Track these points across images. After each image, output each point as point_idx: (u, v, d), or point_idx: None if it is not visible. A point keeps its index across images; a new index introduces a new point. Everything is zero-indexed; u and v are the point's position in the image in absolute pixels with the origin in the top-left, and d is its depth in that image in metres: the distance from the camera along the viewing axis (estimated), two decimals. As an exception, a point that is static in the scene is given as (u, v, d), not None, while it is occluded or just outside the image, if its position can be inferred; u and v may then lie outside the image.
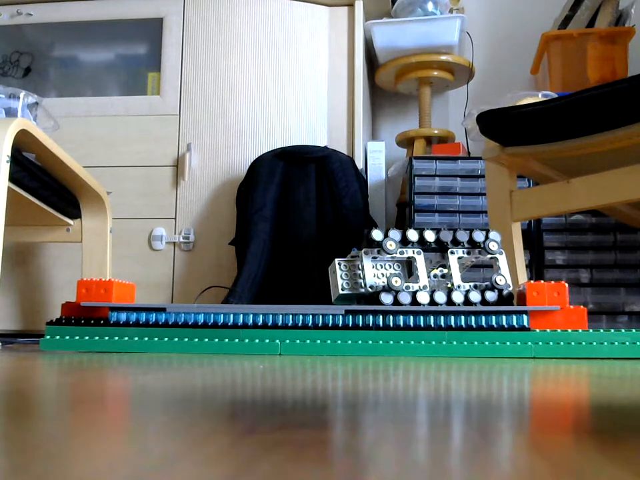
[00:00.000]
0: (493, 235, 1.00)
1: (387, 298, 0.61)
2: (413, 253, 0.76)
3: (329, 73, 1.98)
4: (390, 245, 0.60)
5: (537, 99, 1.45)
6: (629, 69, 1.97)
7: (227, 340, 1.06)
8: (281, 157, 1.86)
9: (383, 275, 0.91)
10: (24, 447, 0.25)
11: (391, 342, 1.03)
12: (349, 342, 1.03)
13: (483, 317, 1.06)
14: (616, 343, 1.06)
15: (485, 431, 0.30)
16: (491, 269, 1.63)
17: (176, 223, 1.88)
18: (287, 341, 1.05)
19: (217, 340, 1.06)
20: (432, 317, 1.06)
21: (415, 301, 0.94)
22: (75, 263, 1.62)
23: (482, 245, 0.92)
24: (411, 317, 1.06)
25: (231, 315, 1.09)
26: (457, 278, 0.81)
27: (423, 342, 1.03)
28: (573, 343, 1.06)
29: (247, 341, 1.06)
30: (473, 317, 1.06)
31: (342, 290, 0.54)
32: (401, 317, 1.06)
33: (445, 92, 2.33)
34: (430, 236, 0.80)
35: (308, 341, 1.04)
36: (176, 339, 1.08)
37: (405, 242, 0.79)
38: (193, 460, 0.23)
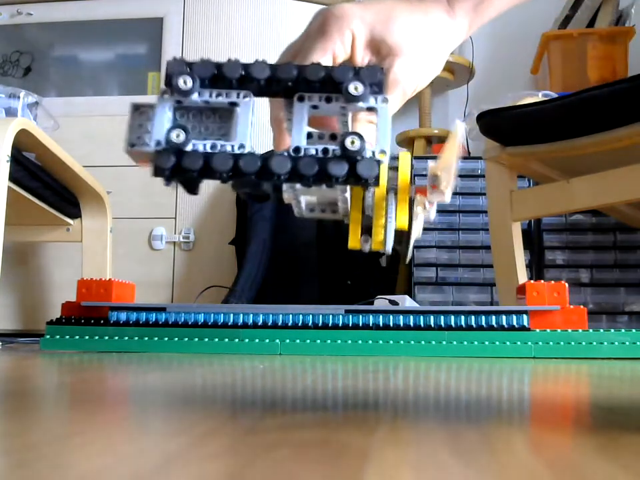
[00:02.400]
0: (369, 69, 0.44)
1: (165, 160, 0.35)
2: (236, 97, 0.43)
3: (329, 72, 1.98)
4: (184, 83, 0.39)
5: (537, 99, 1.45)
6: (629, 69, 1.97)
7: (226, 340, 1.06)
8: (281, 157, 1.86)
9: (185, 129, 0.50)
10: (24, 446, 0.25)
11: (391, 342, 1.03)
12: (349, 342, 1.03)
13: (483, 317, 1.06)
14: (616, 343, 1.06)
15: (485, 431, 0.30)
16: (491, 269, 1.61)
17: (176, 222, 1.88)
18: (287, 341, 1.05)
19: (216, 340, 1.06)
20: (432, 317, 1.06)
21: (209, 167, 0.44)
22: (75, 263, 1.62)
23: (343, 87, 0.42)
24: (411, 317, 1.06)
25: (231, 315, 1.09)
26: (297, 136, 0.38)
27: (422, 342, 1.03)
28: (572, 343, 1.06)
29: (247, 340, 1.06)
30: (472, 317, 1.06)
31: (129, 144, 0.35)
32: (401, 317, 1.06)
33: (445, 92, 2.33)
34: (259, 71, 0.42)
35: (308, 341, 1.04)
36: (176, 339, 1.08)
37: (220, 81, 0.43)
38: (193, 460, 0.23)
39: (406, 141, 2.16)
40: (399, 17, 0.45)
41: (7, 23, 2.04)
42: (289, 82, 0.41)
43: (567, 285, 1.10)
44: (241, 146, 0.41)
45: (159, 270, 1.85)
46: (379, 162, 0.39)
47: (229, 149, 0.41)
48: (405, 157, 0.50)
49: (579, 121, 1.24)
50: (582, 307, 1.10)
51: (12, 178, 1.21)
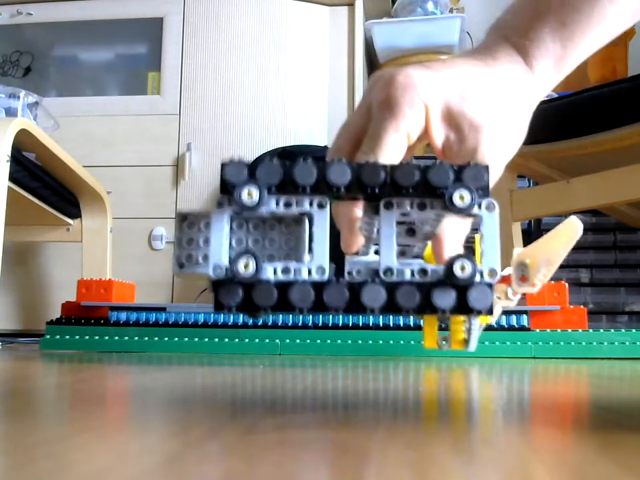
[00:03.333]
0: (473, 171, 0.35)
1: (228, 295, 0.33)
2: (309, 206, 0.36)
3: (329, 72, 1.98)
4: (248, 196, 0.33)
5: (537, 99, 1.45)
6: (629, 69, 1.97)
7: (226, 340, 1.06)
8: (281, 157, 1.85)
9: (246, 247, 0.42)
10: (24, 446, 0.25)
11: (391, 342, 1.03)
12: (349, 342, 1.03)
13: (483, 317, 1.06)
14: (616, 343, 1.06)
15: (485, 431, 0.30)
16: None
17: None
18: (287, 341, 1.05)
19: (216, 340, 1.06)
20: (432, 317, 1.06)
21: (285, 301, 0.36)
22: (75, 263, 1.62)
23: (445, 194, 0.35)
24: (411, 317, 1.06)
25: (231, 315, 1.09)
26: (386, 253, 0.36)
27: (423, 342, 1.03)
28: (572, 343, 1.06)
29: (246, 340, 1.06)
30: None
31: (177, 264, 0.35)
32: (401, 317, 1.06)
33: (445, 92, 2.33)
34: (339, 176, 0.35)
35: (308, 341, 1.04)
36: (176, 339, 1.08)
37: (290, 186, 0.36)
38: (193, 460, 0.23)
39: None
40: (476, 84, 0.38)
41: (6, 23, 2.04)
42: (375, 188, 0.33)
43: (567, 284, 1.10)
44: (320, 269, 0.34)
45: (159, 270, 1.85)
46: (491, 287, 0.32)
47: (305, 274, 0.33)
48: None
49: (579, 121, 1.24)
50: (582, 306, 1.10)
51: (12, 178, 1.21)
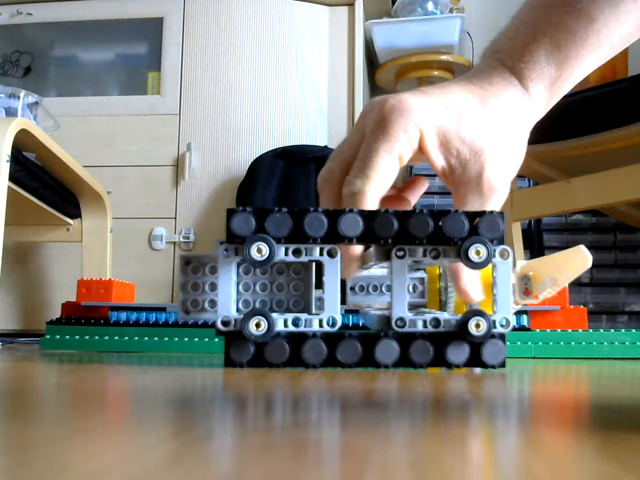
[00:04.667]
0: (488, 221, 0.39)
1: (239, 352, 0.34)
2: (319, 255, 0.36)
3: (329, 72, 1.98)
4: (258, 252, 0.32)
5: (537, 99, 1.45)
6: (629, 69, 1.97)
7: (226, 340, 1.06)
8: (281, 157, 1.86)
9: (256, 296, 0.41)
10: (24, 446, 0.25)
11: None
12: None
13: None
14: (616, 343, 1.06)
15: (485, 431, 0.30)
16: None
17: (176, 222, 1.88)
18: (287, 341, 1.04)
19: (216, 340, 1.06)
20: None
21: (298, 357, 0.38)
22: (75, 263, 1.62)
23: (459, 243, 0.38)
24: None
25: (231, 315, 1.09)
26: (399, 303, 0.37)
27: (422, 342, 1.03)
28: (573, 343, 1.06)
29: (246, 340, 1.06)
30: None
31: (183, 310, 0.35)
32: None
33: (445, 92, 2.33)
34: (351, 228, 0.36)
35: (308, 341, 1.04)
36: (176, 339, 1.08)
37: (299, 236, 0.36)
38: (193, 459, 0.23)
39: None
40: (473, 110, 0.39)
41: (6, 23, 2.04)
42: (388, 238, 0.32)
43: (567, 284, 1.10)
44: (331, 320, 0.32)
45: (159, 270, 1.85)
46: (504, 338, 0.32)
47: (316, 325, 0.32)
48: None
49: (579, 121, 1.24)
50: (582, 306, 1.10)
51: (12, 178, 1.21)
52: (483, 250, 0.31)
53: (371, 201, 0.36)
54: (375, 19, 2.12)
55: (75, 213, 1.60)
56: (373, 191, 0.36)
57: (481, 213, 0.32)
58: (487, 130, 0.38)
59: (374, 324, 0.32)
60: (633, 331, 1.07)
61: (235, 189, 1.85)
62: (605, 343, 1.05)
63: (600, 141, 1.22)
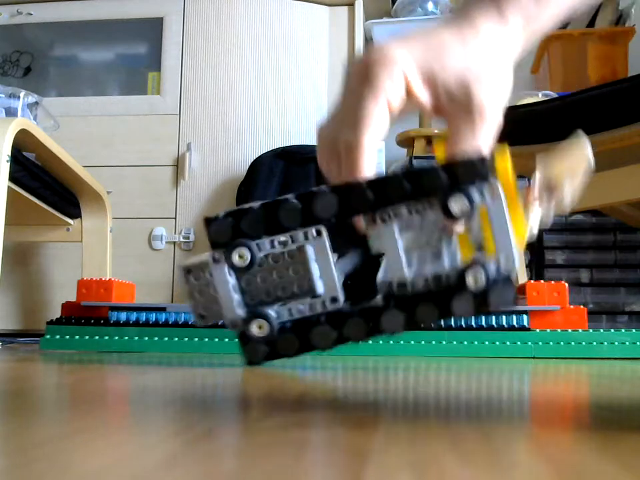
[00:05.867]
0: (465, 167, 0.35)
1: (253, 353, 0.34)
2: (305, 239, 0.34)
3: (329, 72, 1.98)
4: (240, 259, 0.32)
5: (537, 99, 1.45)
6: (629, 69, 1.97)
7: (227, 340, 1.06)
8: (281, 157, 1.86)
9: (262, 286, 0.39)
10: (24, 446, 0.25)
11: (391, 342, 1.03)
12: (349, 342, 1.03)
13: (483, 317, 1.06)
14: (616, 343, 1.06)
15: (485, 431, 0.30)
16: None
17: (176, 222, 1.88)
18: (287, 341, 1.04)
19: (216, 340, 1.06)
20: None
21: (308, 344, 0.37)
22: (75, 263, 1.62)
23: (440, 204, 0.34)
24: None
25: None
26: (395, 266, 0.34)
27: (423, 342, 1.03)
28: (573, 343, 1.06)
29: (246, 340, 1.06)
30: (473, 317, 1.06)
31: (199, 318, 0.35)
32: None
33: (445, 92, 2.33)
34: (326, 209, 0.33)
35: (308, 341, 1.04)
36: (176, 339, 1.08)
37: (280, 228, 0.34)
38: (193, 460, 0.23)
39: (406, 141, 2.16)
40: (453, 47, 0.39)
41: (7, 23, 2.04)
42: (367, 208, 0.32)
43: (567, 284, 1.10)
44: (333, 299, 0.32)
45: (159, 270, 1.85)
46: (510, 280, 0.30)
47: (319, 307, 0.32)
48: (501, 152, 0.39)
49: (579, 121, 1.24)
50: (582, 306, 1.10)
51: (12, 178, 1.21)
52: (462, 201, 0.30)
53: (368, 153, 0.36)
54: (374, 19, 2.12)
55: (75, 213, 1.59)
56: (368, 142, 0.36)
57: (456, 162, 0.32)
58: (469, 62, 0.39)
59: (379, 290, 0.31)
60: (633, 330, 1.07)
61: (235, 189, 1.85)
62: (605, 343, 1.05)
63: (600, 141, 1.22)
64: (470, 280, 0.30)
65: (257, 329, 0.32)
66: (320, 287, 0.32)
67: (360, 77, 0.38)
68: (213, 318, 0.34)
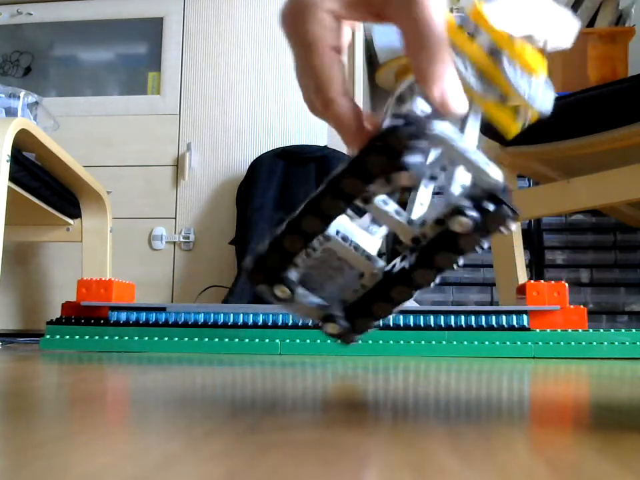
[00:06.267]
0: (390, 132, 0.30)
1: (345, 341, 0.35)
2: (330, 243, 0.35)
3: (329, 72, 1.98)
4: (282, 292, 0.33)
5: (537, 99, 1.45)
6: (629, 69, 1.97)
7: (227, 340, 1.06)
8: (281, 157, 1.86)
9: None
10: (24, 446, 0.25)
11: (391, 342, 1.03)
12: (349, 342, 1.03)
13: (483, 317, 1.06)
14: (616, 343, 1.06)
15: (485, 431, 0.30)
16: (491, 268, 1.61)
17: (176, 222, 1.88)
18: (287, 341, 1.05)
19: (217, 339, 1.06)
20: (432, 317, 1.06)
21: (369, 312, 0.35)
22: (75, 263, 1.62)
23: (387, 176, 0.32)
24: (411, 317, 1.06)
25: (231, 315, 1.09)
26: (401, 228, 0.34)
27: (423, 342, 1.03)
28: (572, 343, 1.06)
29: (247, 340, 1.06)
30: (473, 317, 1.06)
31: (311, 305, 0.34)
32: (401, 317, 1.06)
33: (445, 92, 2.33)
34: (310, 225, 0.35)
35: (308, 341, 1.04)
36: (176, 339, 1.08)
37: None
38: (193, 460, 0.23)
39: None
40: None
41: (6, 23, 2.04)
42: (345, 201, 0.32)
43: (567, 284, 1.10)
44: (374, 272, 0.32)
45: (159, 270, 1.85)
46: (500, 200, 0.31)
47: (368, 283, 0.32)
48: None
49: (579, 121, 1.24)
50: (582, 306, 1.10)
51: (12, 178, 1.21)
52: (410, 173, 0.29)
53: (344, 106, 0.35)
54: (374, 18, 2.11)
55: (75, 213, 1.60)
56: (337, 95, 0.35)
57: (384, 130, 0.30)
58: None
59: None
60: (633, 330, 1.07)
61: (235, 189, 1.85)
62: (605, 343, 1.05)
63: (600, 141, 1.22)
64: (456, 227, 0.30)
65: (331, 330, 0.33)
66: (363, 266, 0.33)
67: (296, 41, 0.35)
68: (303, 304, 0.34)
